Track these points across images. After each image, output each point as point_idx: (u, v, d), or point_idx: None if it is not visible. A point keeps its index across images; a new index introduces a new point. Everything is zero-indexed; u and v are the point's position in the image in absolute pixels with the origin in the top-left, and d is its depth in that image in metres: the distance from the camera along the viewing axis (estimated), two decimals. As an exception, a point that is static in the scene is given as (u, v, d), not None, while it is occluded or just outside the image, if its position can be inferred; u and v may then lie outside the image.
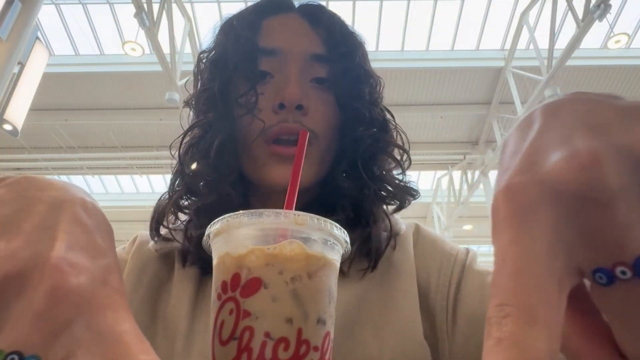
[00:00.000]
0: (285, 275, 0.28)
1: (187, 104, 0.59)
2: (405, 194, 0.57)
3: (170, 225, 0.56)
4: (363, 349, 0.46)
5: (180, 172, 0.56)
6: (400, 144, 0.59)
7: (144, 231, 0.62)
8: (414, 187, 0.58)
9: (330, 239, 0.31)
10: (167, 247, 0.55)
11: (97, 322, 0.21)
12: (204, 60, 0.60)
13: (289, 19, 0.58)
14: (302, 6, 0.59)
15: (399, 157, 0.59)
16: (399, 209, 0.58)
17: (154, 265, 0.56)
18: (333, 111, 0.55)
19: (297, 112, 0.52)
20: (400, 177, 0.58)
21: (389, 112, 0.61)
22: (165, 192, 0.58)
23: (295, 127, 0.51)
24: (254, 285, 0.28)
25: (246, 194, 0.57)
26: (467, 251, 0.58)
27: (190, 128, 0.57)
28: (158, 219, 0.55)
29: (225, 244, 0.30)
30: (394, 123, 0.60)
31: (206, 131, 0.55)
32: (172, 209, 0.55)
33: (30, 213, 0.22)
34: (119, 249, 0.61)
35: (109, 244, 0.25)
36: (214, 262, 0.32)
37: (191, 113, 0.59)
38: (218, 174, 0.53)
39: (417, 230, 0.61)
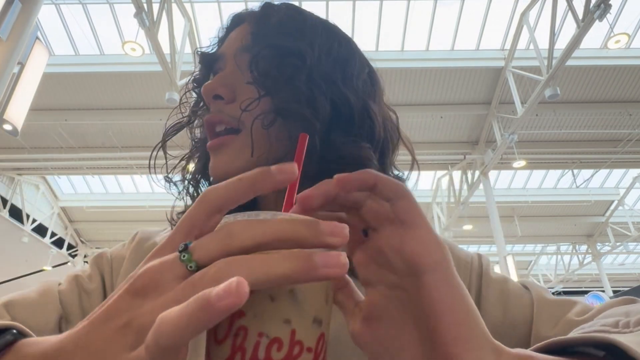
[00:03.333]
0: None
1: (184, 90, 0.64)
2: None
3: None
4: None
5: (181, 177, 0.59)
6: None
7: (145, 228, 0.62)
8: (401, 177, 0.57)
9: None
10: None
11: None
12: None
13: (239, 28, 0.58)
14: (247, 13, 0.59)
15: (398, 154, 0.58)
16: None
17: None
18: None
19: (218, 103, 0.53)
20: (395, 172, 0.57)
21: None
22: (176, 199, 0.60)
23: (215, 117, 0.52)
24: None
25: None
26: (480, 257, 0.57)
27: (175, 129, 0.60)
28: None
29: None
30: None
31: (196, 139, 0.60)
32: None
33: None
34: (118, 245, 0.61)
35: None
36: None
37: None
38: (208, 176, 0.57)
39: None
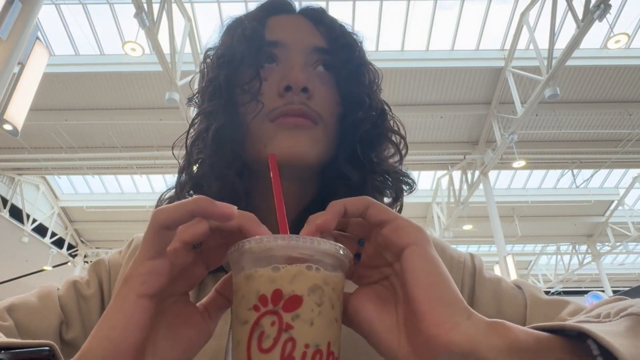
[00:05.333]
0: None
1: (189, 100, 0.60)
2: (401, 184, 0.57)
3: None
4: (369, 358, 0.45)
5: (186, 167, 0.56)
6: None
7: (141, 234, 0.62)
8: (412, 178, 0.58)
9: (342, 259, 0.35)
10: None
11: None
12: (210, 57, 0.60)
13: (293, 18, 0.60)
14: (304, 9, 0.61)
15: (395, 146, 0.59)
16: (394, 201, 0.57)
17: None
18: (336, 98, 0.56)
19: (302, 95, 0.52)
20: (398, 167, 0.58)
21: (386, 104, 0.61)
22: (166, 190, 0.57)
23: (300, 109, 0.51)
24: (297, 301, 0.30)
25: (249, 184, 0.56)
26: (472, 257, 0.57)
27: (197, 116, 0.58)
28: None
29: (261, 261, 0.32)
30: (391, 114, 0.61)
31: (211, 122, 0.54)
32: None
33: None
34: (115, 252, 0.61)
35: None
36: (249, 272, 0.32)
37: (194, 111, 0.59)
38: (223, 163, 0.53)
39: None
